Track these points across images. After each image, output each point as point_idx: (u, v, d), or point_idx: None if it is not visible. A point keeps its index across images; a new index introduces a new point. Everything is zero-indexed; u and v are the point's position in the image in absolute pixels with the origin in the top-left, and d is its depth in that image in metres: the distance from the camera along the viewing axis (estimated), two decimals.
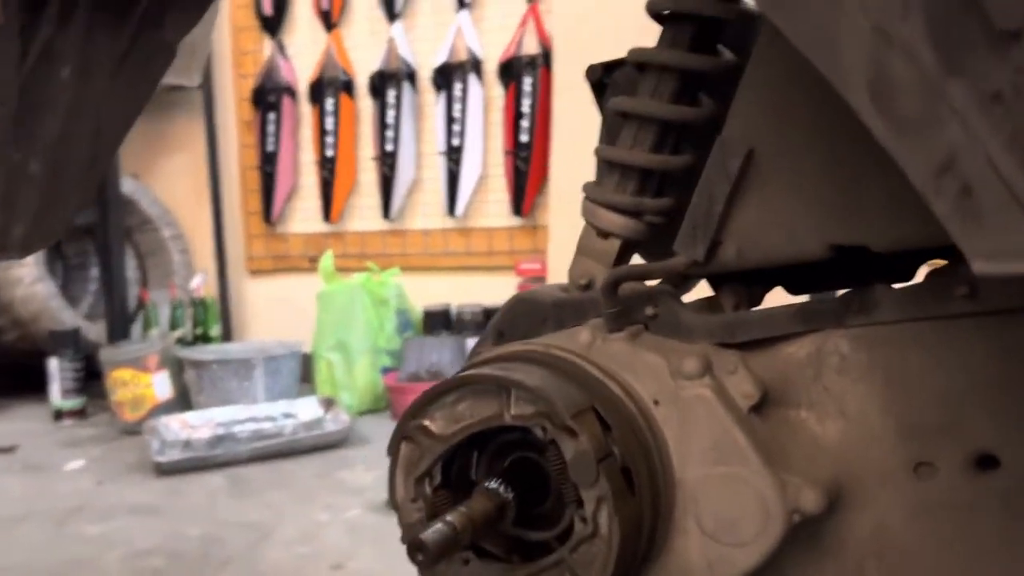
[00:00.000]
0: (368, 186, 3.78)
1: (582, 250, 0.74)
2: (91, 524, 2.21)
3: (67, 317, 3.53)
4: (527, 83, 3.45)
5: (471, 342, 3.31)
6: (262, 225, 3.96)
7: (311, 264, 3.71)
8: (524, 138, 3.47)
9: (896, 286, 0.61)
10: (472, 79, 3.55)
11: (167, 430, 2.70)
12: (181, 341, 3.63)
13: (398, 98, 3.64)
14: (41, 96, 0.99)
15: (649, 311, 0.67)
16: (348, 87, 3.74)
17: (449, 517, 0.59)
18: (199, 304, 3.76)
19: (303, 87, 3.84)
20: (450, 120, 3.59)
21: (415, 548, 0.56)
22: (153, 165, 4.00)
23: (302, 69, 3.84)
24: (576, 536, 0.60)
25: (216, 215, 3.95)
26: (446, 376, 3.20)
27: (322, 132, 3.79)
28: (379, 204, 3.74)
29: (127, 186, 3.77)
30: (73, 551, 2.03)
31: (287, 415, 2.85)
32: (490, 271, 3.60)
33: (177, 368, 3.31)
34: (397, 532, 0.66)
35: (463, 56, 3.56)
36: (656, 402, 0.63)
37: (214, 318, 3.81)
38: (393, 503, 0.66)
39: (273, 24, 3.86)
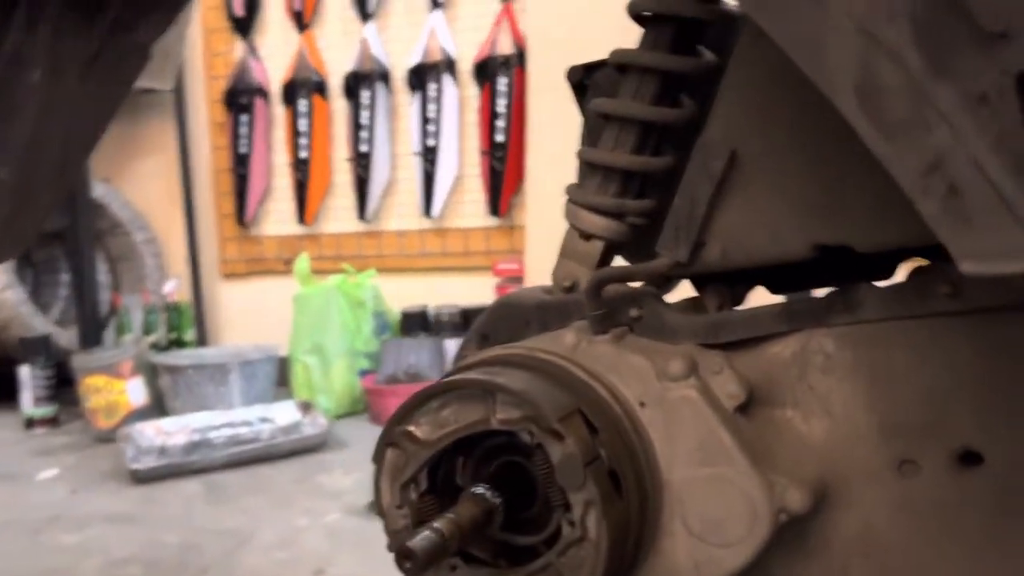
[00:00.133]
0: (343, 187, 3.76)
1: (565, 252, 0.73)
2: (67, 533, 2.18)
3: (37, 324, 3.48)
4: (502, 83, 3.44)
5: (449, 343, 3.30)
6: (236, 228, 3.93)
7: (286, 267, 3.69)
8: (500, 138, 3.46)
9: (879, 285, 0.61)
10: (447, 79, 3.54)
11: (142, 437, 2.67)
12: (155, 346, 3.59)
13: (372, 99, 3.62)
14: (10, 100, 0.97)
15: (633, 313, 0.67)
16: (321, 88, 3.72)
17: (437, 523, 0.58)
18: (173, 309, 3.72)
19: (276, 88, 3.81)
20: (425, 120, 3.58)
21: (403, 556, 0.56)
22: (124, 168, 3.95)
23: (274, 70, 3.81)
24: (564, 540, 0.60)
25: (189, 218, 3.91)
26: (424, 378, 3.20)
27: (295, 133, 3.77)
28: (354, 205, 3.72)
29: (98, 190, 3.72)
30: (49, 561, 2.00)
31: (264, 420, 2.82)
32: (467, 272, 3.59)
33: (151, 374, 3.28)
34: (378, 536, 0.65)
35: (437, 56, 3.55)
36: (642, 404, 0.63)
37: (188, 323, 3.77)
38: (379, 510, 0.66)
39: (244, 25, 3.83)
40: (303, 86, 3.73)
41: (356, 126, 3.66)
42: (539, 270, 3.03)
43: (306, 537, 2.08)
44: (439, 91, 3.55)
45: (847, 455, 0.62)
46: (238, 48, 3.86)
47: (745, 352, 0.64)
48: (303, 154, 3.76)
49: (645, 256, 0.70)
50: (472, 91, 3.54)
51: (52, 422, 3.36)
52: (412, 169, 3.64)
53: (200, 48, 3.88)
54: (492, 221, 3.57)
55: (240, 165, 3.85)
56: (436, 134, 3.57)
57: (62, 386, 3.38)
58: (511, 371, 0.63)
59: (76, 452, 2.99)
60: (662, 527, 0.63)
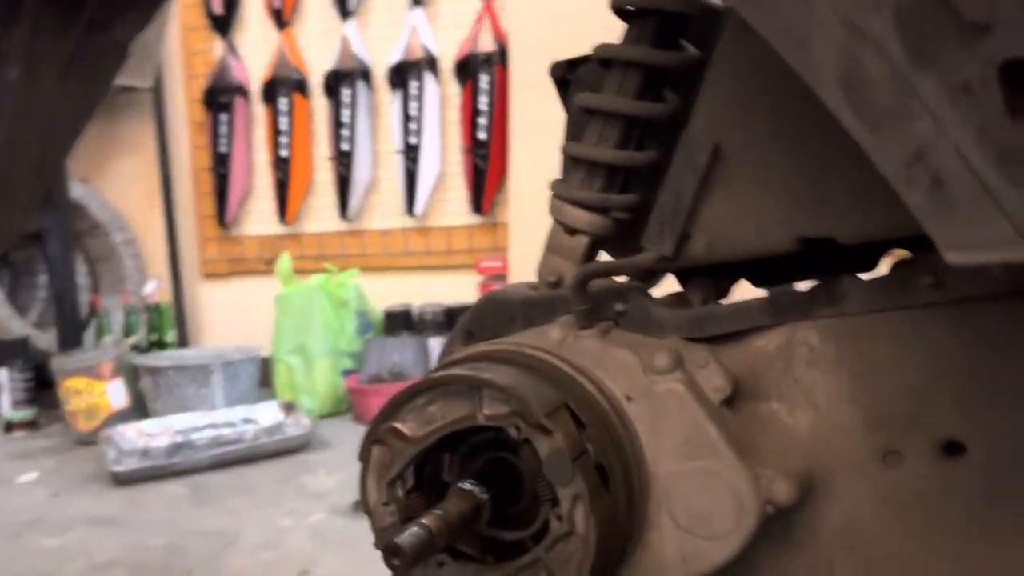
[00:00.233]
0: (324, 186, 3.74)
1: (550, 247, 0.73)
2: (48, 537, 2.16)
3: (15, 326, 3.44)
4: (484, 80, 3.44)
5: (433, 342, 3.30)
6: (216, 228, 3.90)
7: (267, 267, 3.67)
8: (482, 136, 3.46)
9: (863, 277, 0.61)
10: (428, 77, 3.53)
11: (123, 439, 2.65)
12: (136, 348, 3.56)
13: (353, 97, 3.61)
14: None
15: (619, 307, 0.67)
16: (302, 86, 3.70)
17: (424, 520, 0.58)
18: (153, 310, 3.69)
19: (256, 87, 3.78)
20: (407, 119, 3.57)
21: (391, 552, 0.56)
22: (103, 168, 3.91)
23: (254, 69, 3.78)
24: (552, 535, 0.60)
25: (169, 219, 3.88)
26: (408, 377, 3.19)
27: (276, 132, 3.75)
28: (336, 204, 3.71)
29: (76, 190, 3.68)
30: (31, 565, 1.98)
31: (247, 420, 2.81)
32: (451, 270, 3.59)
33: (132, 376, 3.25)
34: (363, 536, 0.65)
35: (419, 54, 3.53)
36: (628, 398, 0.63)
37: (169, 324, 3.74)
38: (365, 508, 0.65)
39: (224, 23, 3.80)
40: (283, 84, 3.71)
41: (337, 124, 3.64)
42: (522, 267, 3.03)
43: (291, 538, 2.07)
44: (421, 89, 3.54)
45: (832, 447, 0.62)
46: (217, 46, 3.83)
47: (730, 346, 0.64)
48: (284, 153, 3.74)
49: (630, 251, 0.70)
50: (454, 89, 3.53)
51: (31, 425, 3.32)
52: (394, 167, 3.63)
53: (179, 47, 3.85)
54: (475, 219, 3.57)
55: (220, 164, 3.83)
56: (418, 132, 3.56)
57: (41, 389, 3.35)
58: (497, 367, 0.63)
59: (56, 455, 2.96)
60: (649, 520, 0.63)
